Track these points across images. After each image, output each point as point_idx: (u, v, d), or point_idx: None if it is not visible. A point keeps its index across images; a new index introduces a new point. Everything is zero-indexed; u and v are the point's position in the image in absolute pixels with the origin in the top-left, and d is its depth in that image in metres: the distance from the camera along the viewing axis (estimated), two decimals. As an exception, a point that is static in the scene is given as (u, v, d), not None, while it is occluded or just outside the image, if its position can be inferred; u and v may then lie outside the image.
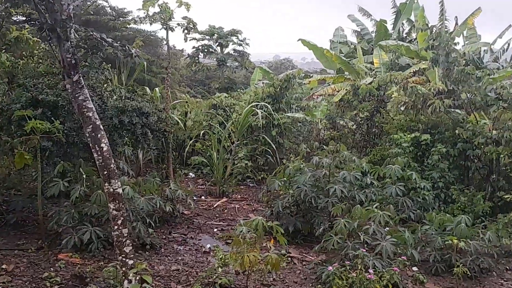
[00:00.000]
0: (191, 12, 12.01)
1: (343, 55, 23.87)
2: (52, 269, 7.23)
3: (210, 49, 26.08)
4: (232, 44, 26.11)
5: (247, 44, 26.12)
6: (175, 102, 15.92)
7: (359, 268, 6.97)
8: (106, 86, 10.64)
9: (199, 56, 26.27)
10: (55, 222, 8.11)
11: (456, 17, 22.97)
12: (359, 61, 22.22)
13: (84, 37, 6.96)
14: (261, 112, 14.02)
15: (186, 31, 12.39)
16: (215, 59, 26.09)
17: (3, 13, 8.79)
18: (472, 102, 11.73)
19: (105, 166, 6.26)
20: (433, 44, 12.30)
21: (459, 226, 8.33)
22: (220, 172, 13.21)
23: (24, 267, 7.27)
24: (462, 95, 11.66)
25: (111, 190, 6.27)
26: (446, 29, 17.86)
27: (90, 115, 6.28)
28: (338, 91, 18.30)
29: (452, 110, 11.73)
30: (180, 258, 8.39)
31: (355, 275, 6.90)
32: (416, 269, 8.08)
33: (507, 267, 8.70)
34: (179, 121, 14.52)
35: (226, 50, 26.41)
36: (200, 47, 25.89)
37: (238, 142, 14.10)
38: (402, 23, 26.03)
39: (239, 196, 13.02)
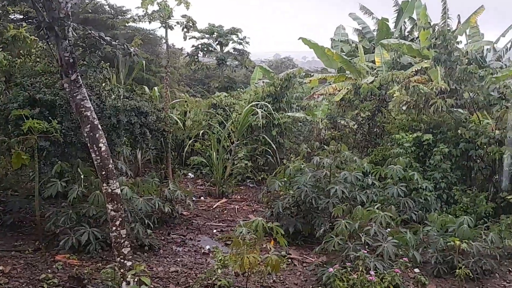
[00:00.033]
0: (190, 10, 11.99)
1: (344, 53, 23.76)
2: (49, 270, 7.18)
3: (210, 48, 26.06)
4: (232, 42, 26.10)
5: (247, 42, 26.12)
6: (174, 101, 15.82)
7: (360, 269, 6.93)
8: (104, 85, 10.59)
9: (199, 55, 26.26)
10: (52, 223, 8.05)
11: (458, 15, 22.89)
12: (360, 60, 22.12)
13: (82, 36, 6.92)
14: (261, 112, 13.93)
15: (185, 29, 12.29)
16: (214, 58, 26.05)
17: (0, 11, 8.71)
18: (474, 102, 11.66)
19: (103, 166, 6.24)
20: (435, 43, 12.18)
21: (462, 227, 8.27)
22: (220, 172, 13.12)
23: (21, 268, 7.21)
24: (465, 94, 11.60)
25: (109, 190, 6.25)
26: (448, 28, 17.70)
27: (88, 114, 6.27)
28: (339, 90, 18.23)
29: (455, 109, 11.66)
30: (179, 259, 8.33)
31: (356, 276, 6.87)
32: (418, 270, 8.03)
33: (510, 269, 8.63)
34: (178, 120, 14.43)
35: (225, 49, 26.40)
36: (199, 46, 25.87)
37: (238, 142, 14.01)
38: (404, 22, 25.93)
39: (238, 197, 12.93)
